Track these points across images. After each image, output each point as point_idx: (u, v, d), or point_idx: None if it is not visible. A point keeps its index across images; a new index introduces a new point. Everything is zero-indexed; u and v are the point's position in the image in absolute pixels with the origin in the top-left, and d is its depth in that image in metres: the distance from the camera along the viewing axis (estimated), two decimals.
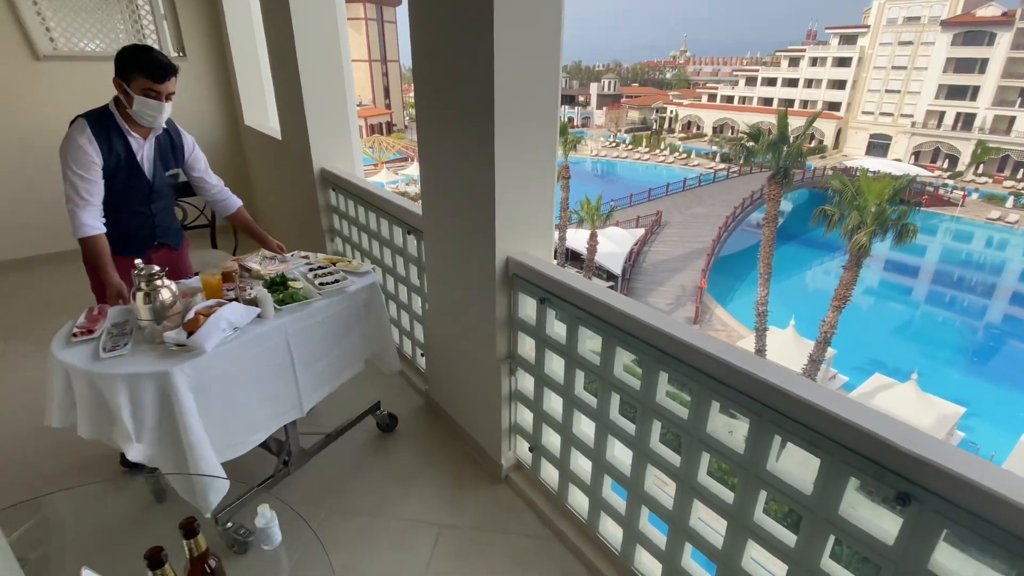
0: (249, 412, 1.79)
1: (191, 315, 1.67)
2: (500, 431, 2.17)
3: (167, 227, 2.38)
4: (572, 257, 20.15)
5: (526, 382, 2.09)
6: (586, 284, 1.69)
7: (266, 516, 1.15)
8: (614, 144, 44.62)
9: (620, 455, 1.77)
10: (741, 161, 21.12)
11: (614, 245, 19.64)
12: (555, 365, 1.93)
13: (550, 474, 2.10)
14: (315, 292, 1.99)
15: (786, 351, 13.78)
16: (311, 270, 2.21)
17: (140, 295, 1.65)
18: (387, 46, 44.31)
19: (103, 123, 2.06)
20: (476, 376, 2.24)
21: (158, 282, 1.67)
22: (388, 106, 45.31)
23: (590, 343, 1.78)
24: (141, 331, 1.68)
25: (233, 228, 2.73)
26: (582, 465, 1.94)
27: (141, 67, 1.97)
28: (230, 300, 1.78)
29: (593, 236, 18.65)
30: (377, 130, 40.50)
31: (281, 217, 4.59)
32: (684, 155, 39.42)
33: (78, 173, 2.00)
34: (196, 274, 2.40)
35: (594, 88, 56.55)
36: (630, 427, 1.65)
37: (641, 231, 22.17)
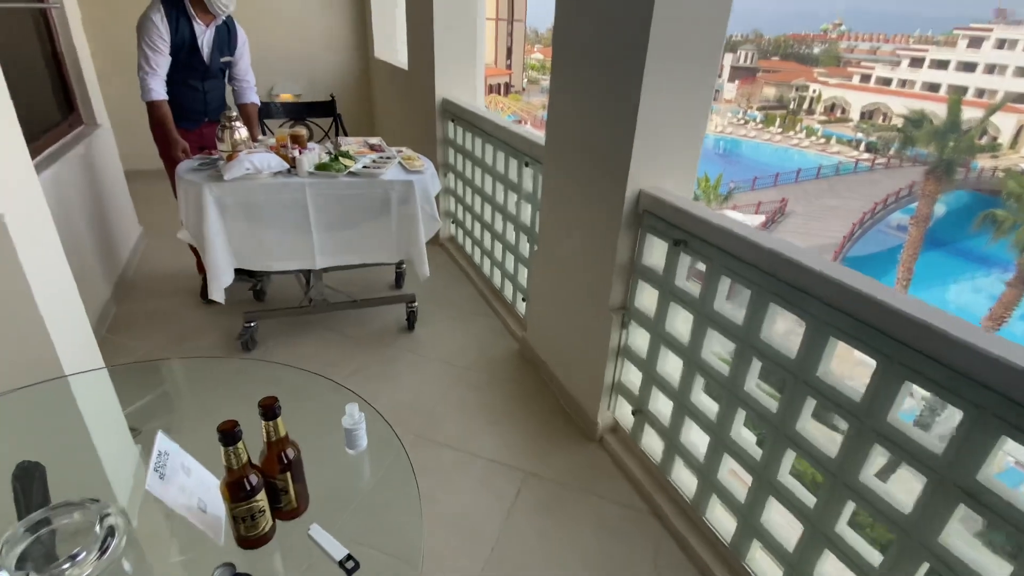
0: (267, 241, 2.25)
1: (241, 154, 2.15)
2: (601, 388, 1.97)
3: (218, 106, 2.68)
4: None
5: (639, 338, 1.86)
6: (739, 225, 1.41)
7: (354, 416, 1.05)
8: (743, 122, 41.11)
9: (747, 435, 1.50)
10: (892, 151, 18.61)
11: None
12: (679, 321, 1.68)
13: (653, 443, 1.88)
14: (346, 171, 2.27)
15: None
16: (379, 158, 2.46)
17: (224, 132, 2.20)
18: (515, 4, 43.72)
19: (175, 6, 2.34)
20: (581, 326, 2.04)
21: (236, 123, 2.21)
22: (509, 67, 45.03)
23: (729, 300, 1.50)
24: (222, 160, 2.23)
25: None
26: (695, 440, 1.69)
27: None
28: (280, 153, 2.23)
29: None
30: (495, 90, 40.48)
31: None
32: (822, 140, 35.38)
33: (150, 45, 2.32)
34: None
35: (728, 59, 52.21)
36: (771, 403, 1.37)
37: (761, 218, 20.45)
